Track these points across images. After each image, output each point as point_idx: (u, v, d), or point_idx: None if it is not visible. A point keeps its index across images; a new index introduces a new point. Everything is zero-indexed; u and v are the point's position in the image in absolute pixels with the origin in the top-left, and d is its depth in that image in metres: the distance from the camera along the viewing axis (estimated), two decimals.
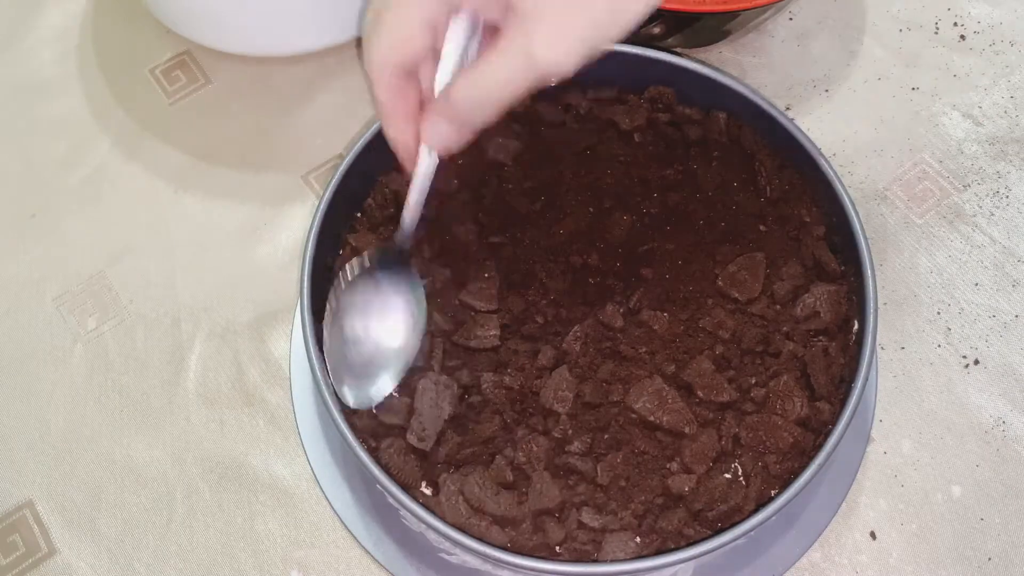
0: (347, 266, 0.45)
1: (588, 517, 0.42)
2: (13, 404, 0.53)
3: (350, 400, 0.44)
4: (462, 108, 0.36)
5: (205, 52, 0.63)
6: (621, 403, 0.45)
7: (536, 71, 0.34)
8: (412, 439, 0.44)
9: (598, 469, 0.43)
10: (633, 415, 0.45)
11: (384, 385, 0.44)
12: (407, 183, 0.40)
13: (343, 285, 0.44)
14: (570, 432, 0.44)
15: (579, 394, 0.45)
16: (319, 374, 0.44)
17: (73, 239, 0.58)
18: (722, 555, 0.46)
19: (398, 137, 0.39)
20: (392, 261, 0.44)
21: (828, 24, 0.63)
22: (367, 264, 0.44)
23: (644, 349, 0.46)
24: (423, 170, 0.40)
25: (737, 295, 0.47)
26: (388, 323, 0.44)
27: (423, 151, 0.39)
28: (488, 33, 0.37)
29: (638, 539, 0.42)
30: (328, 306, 0.45)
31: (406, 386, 0.45)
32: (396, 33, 0.36)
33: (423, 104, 0.38)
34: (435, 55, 0.37)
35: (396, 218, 0.51)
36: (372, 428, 0.45)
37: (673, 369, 0.45)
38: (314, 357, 0.44)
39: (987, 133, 0.59)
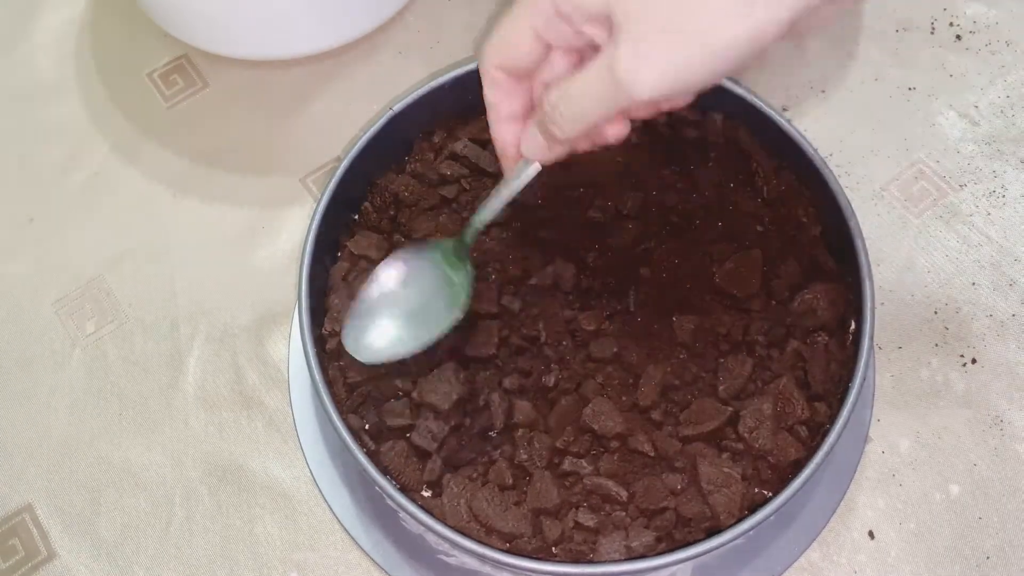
0: (398, 251, 0.44)
1: (585, 517, 0.42)
2: (12, 408, 0.53)
3: (351, 346, 0.42)
4: (553, 117, 0.36)
5: (202, 56, 0.63)
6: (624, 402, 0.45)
7: (619, 91, 0.32)
8: (417, 440, 0.44)
9: (599, 468, 0.44)
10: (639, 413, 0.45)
11: (396, 347, 0.42)
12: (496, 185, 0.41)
13: (393, 257, 0.44)
14: (570, 435, 0.44)
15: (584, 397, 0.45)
16: (318, 376, 0.44)
17: (71, 243, 0.58)
18: (720, 555, 0.46)
19: (496, 136, 0.40)
20: (449, 252, 0.44)
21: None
22: (422, 250, 0.44)
23: (643, 347, 0.46)
24: (517, 176, 0.40)
25: (735, 292, 0.47)
26: (426, 300, 0.43)
27: (520, 161, 0.39)
28: None
29: (636, 540, 0.42)
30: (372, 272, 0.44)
31: (411, 389, 0.45)
32: (505, 35, 0.36)
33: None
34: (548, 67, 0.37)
35: (396, 219, 0.51)
36: (372, 431, 0.45)
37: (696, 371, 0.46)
38: (313, 359, 0.44)
39: (984, 133, 0.59)
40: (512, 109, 0.39)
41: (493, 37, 0.37)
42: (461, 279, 0.43)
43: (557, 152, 0.38)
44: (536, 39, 0.35)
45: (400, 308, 0.43)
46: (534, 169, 0.40)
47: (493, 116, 0.39)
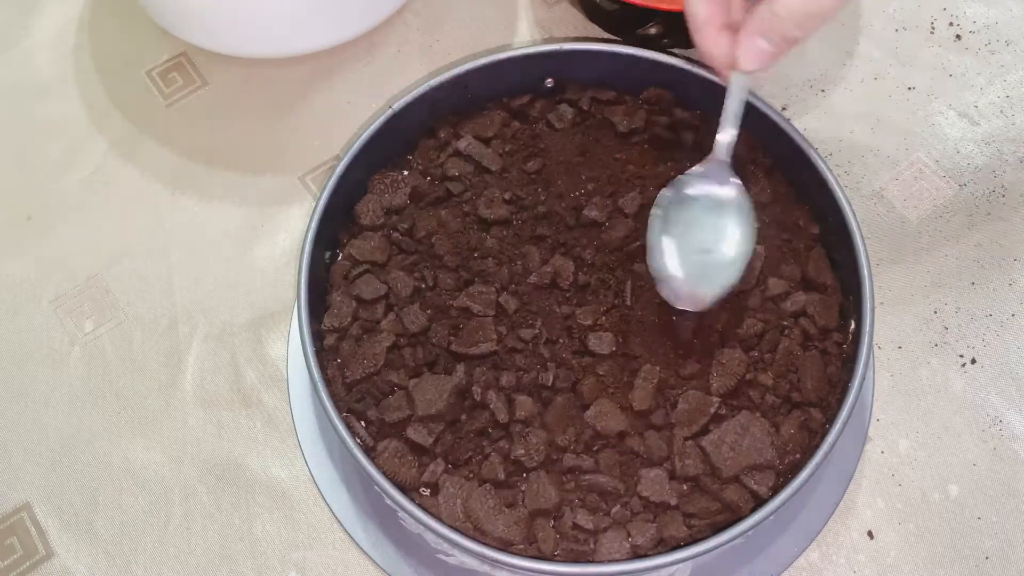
0: (665, 190, 0.44)
1: (583, 518, 0.42)
2: (10, 407, 0.53)
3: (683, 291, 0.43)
4: (790, 22, 0.35)
5: (202, 54, 0.63)
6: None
7: None
8: (414, 439, 0.44)
9: (598, 465, 0.43)
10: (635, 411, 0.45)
11: (713, 289, 0.43)
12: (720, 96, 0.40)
13: (668, 200, 0.43)
14: (569, 433, 0.44)
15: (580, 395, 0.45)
16: (316, 375, 0.44)
17: (70, 241, 0.58)
18: (720, 555, 0.46)
19: (713, 49, 0.38)
20: (715, 176, 0.44)
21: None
22: (688, 183, 0.44)
23: (639, 343, 0.46)
24: (739, 85, 0.40)
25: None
26: (720, 234, 0.44)
27: (735, 74, 0.39)
28: None
29: (635, 539, 0.42)
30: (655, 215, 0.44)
31: (408, 386, 0.45)
32: None
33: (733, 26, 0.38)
34: None
35: (400, 211, 0.51)
36: (371, 429, 0.45)
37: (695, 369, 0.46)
38: (311, 358, 0.44)
39: (983, 132, 0.59)
40: (723, 19, 0.38)
41: None
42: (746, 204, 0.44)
43: (780, 57, 0.37)
44: None
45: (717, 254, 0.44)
46: (747, 79, 0.39)
47: (706, 30, 0.38)
